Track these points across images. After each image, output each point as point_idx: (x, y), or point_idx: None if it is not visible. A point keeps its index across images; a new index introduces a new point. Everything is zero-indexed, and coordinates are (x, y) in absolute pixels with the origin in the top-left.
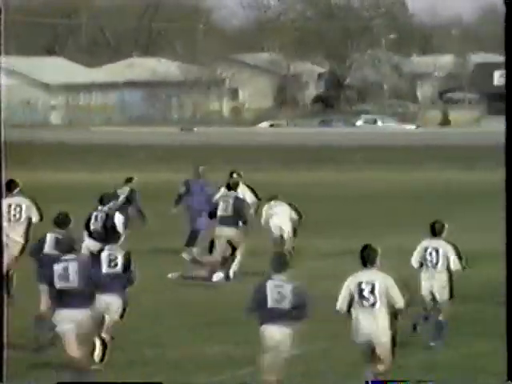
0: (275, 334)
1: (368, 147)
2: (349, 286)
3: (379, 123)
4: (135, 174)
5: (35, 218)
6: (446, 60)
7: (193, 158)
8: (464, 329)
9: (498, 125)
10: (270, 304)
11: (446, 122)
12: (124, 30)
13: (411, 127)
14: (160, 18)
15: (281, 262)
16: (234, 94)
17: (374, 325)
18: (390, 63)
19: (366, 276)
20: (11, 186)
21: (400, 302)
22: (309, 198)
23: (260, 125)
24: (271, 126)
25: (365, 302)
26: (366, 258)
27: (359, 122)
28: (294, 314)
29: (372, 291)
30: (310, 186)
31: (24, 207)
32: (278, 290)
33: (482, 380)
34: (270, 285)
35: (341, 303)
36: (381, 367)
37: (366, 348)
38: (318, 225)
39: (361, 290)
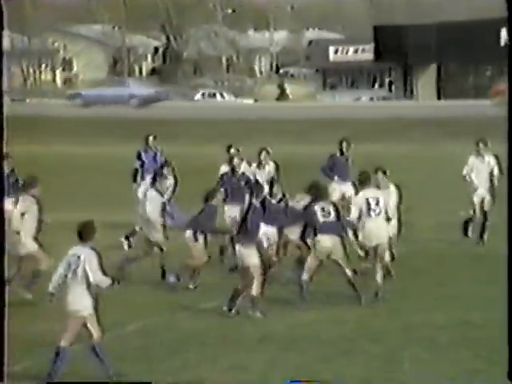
0: None
1: (206, 121)
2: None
3: (217, 97)
4: None
5: None
6: (281, 36)
7: (27, 130)
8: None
9: (332, 99)
10: None
11: (283, 96)
12: None
13: (249, 101)
14: None
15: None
16: (67, 64)
17: None
18: (227, 38)
19: None
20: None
21: None
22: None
23: None
24: None
25: None
26: None
27: (197, 96)
28: None
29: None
30: None
31: None
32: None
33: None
34: None
35: None
36: None
37: None
38: None
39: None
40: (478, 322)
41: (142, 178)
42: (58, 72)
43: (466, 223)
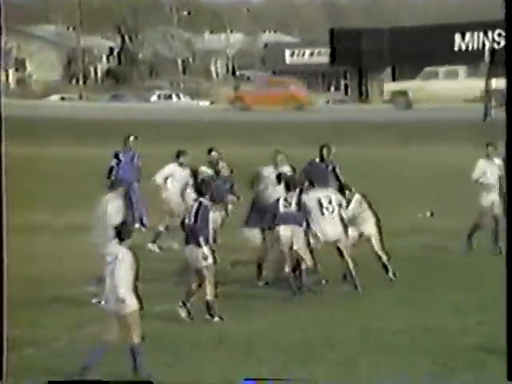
0: None
1: (163, 123)
2: None
3: (174, 99)
4: None
5: None
6: (237, 38)
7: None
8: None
9: None
10: None
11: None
12: None
13: (205, 103)
14: None
15: None
16: (20, 65)
17: None
18: (182, 40)
19: None
20: None
21: None
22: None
23: (50, 98)
24: (62, 99)
25: None
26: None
27: (154, 98)
28: None
29: None
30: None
31: None
32: None
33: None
34: None
35: None
36: None
37: None
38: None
39: None
40: (437, 329)
41: (117, 178)
42: (10, 72)
43: (472, 232)
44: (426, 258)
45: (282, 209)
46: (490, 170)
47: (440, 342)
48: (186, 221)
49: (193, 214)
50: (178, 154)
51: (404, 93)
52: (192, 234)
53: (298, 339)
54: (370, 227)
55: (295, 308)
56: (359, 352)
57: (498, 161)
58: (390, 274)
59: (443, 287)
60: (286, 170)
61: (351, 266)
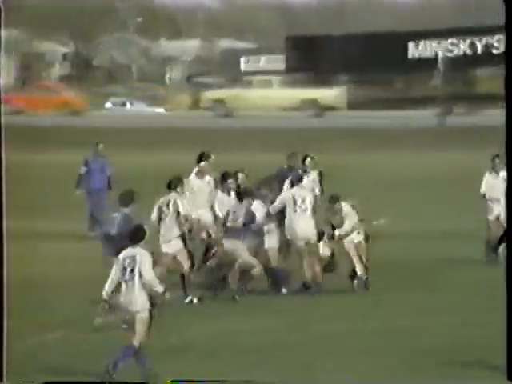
0: None
1: (117, 130)
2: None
3: (128, 106)
4: None
5: None
6: (193, 44)
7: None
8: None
9: None
10: None
11: (195, 105)
12: None
13: (160, 110)
14: None
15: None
16: None
17: None
18: (138, 46)
19: None
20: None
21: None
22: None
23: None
24: None
25: None
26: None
27: (108, 104)
28: None
29: None
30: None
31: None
32: None
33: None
34: None
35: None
36: None
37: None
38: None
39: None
40: (404, 329)
41: (86, 184)
42: None
43: (488, 245)
44: (386, 262)
45: (228, 223)
46: (493, 183)
47: (409, 343)
48: (108, 232)
49: (116, 225)
50: (199, 160)
51: (222, 100)
52: (116, 244)
53: (257, 342)
54: (356, 237)
55: (260, 312)
56: (321, 354)
57: (503, 173)
58: (355, 284)
59: (406, 290)
60: (315, 174)
61: (306, 272)
